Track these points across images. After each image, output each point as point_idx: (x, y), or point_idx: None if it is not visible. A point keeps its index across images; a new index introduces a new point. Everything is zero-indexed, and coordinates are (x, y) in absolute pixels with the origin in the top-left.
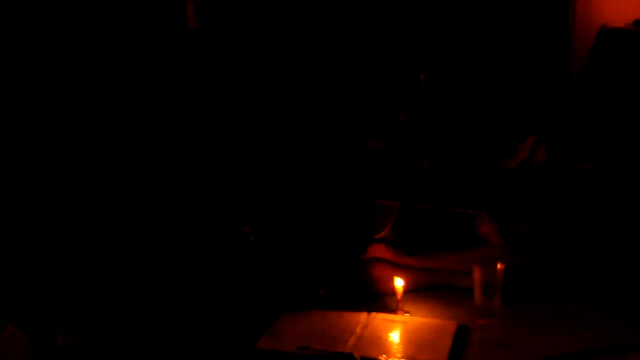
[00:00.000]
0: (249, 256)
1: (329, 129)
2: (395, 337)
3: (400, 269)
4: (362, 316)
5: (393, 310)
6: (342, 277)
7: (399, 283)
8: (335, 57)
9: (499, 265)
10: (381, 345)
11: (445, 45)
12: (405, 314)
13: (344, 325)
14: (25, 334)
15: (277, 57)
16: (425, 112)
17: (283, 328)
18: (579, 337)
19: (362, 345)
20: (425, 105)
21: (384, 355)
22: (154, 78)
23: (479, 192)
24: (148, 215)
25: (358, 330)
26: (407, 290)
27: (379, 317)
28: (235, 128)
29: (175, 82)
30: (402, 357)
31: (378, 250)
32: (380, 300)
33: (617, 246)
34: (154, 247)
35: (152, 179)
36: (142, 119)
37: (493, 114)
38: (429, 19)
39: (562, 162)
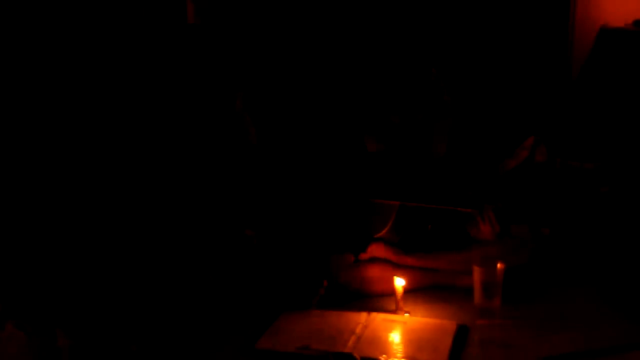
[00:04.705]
0: (249, 256)
1: (328, 130)
2: (395, 337)
3: (400, 269)
4: (362, 316)
5: (393, 310)
6: (341, 277)
7: (399, 283)
8: (335, 57)
9: (499, 265)
10: (381, 345)
11: (445, 45)
12: (405, 314)
13: (344, 325)
14: (25, 334)
15: (277, 56)
16: (445, 102)
17: (283, 328)
18: (578, 337)
19: (362, 345)
20: (445, 95)
21: (384, 355)
22: (153, 76)
23: (473, 192)
24: (148, 215)
25: (358, 330)
26: (407, 290)
27: (379, 317)
28: (234, 128)
29: (175, 80)
30: (402, 357)
31: (378, 250)
32: (380, 300)
33: (617, 246)
34: (154, 248)
35: (153, 179)
36: (142, 118)
37: (493, 113)
38: (430, 18)
39: (562, 162)
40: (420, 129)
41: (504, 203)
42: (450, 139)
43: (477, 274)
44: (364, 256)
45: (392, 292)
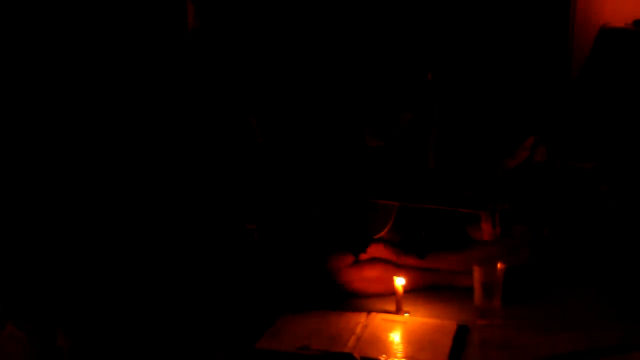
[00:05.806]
0: (249, 256)
1: (330, 129)
2: (395, 337)
3: (400, 269)
4: (362, 316)
5: (393, 311)
6: (341, 277)
7: (399, 283)
8: (336, 55)
9: (499, 265)
10: (381, 345)
11: (445, 44)
12: (405, 314)
13: (344, 325)
14: (25, 334)
15: (279, 56)
16: (434, 111)
17: (283, 328)
18: (579, 337)
19: (362, 345)
20: (435, 104)
21: (384, 355)
22: (155, 80)
23: (473, 193)
24: (149, 215)
25: (358, 330)
26: (407, 290)
27: (379, 317)
28: (239, 129)
29: (177, 83)
30: (402, 357)
31: (378, 250)
32: (380, 300)
33: (617, 246)
34: (154, 247)
35: (154, 179)
36: (144, 120)
37: (493, 114)
38: (430, 17)
39: (562, 162)
40: (410, 135)
41: (509, 204)
42: (440, 149)
43: (477, 274)
44: (364, 256)
45: (392, 292)
